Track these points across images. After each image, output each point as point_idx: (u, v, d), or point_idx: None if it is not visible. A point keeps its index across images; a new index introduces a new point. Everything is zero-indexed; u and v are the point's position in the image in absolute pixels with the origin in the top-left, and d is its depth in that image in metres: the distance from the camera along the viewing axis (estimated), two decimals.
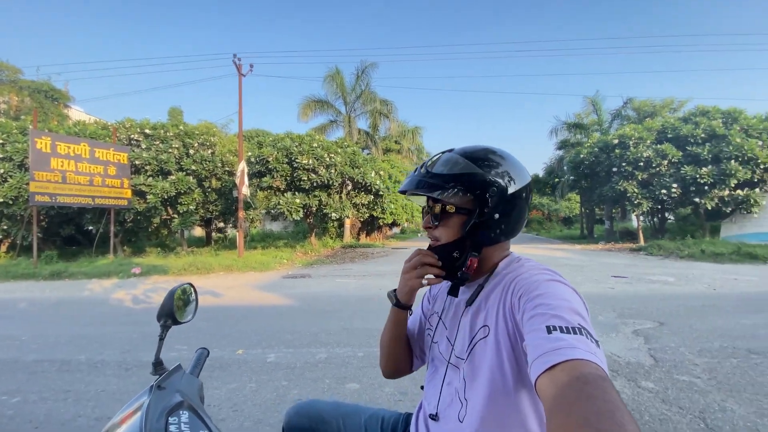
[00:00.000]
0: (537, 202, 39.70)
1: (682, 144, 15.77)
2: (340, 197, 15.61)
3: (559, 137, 25.22)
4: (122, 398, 2.67)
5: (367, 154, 20.75)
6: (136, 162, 12.54)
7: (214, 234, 17.82)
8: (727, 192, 14.62)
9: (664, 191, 15.46)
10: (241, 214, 12.77)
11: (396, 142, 25.98)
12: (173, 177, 12.83)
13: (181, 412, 0.71)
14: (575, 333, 0.54)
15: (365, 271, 10.15)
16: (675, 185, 15.28)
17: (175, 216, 13.56)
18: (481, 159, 0.78)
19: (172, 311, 0.90)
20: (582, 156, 18.72)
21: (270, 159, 13.58)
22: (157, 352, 0.86)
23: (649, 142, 16.10)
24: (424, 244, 0.86)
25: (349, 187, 16.09)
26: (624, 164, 16.25)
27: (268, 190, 14.11)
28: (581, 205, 26.56)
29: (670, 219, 21.16)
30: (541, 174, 30.23)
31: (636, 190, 15.97)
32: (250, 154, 13.96)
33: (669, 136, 16.27)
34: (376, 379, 2.95)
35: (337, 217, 15.04)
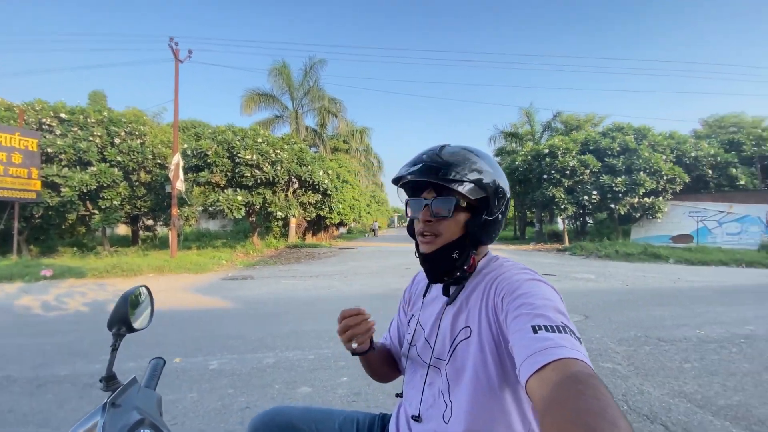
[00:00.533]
0: None
1: (602, 155, 17.63)
2: (286, 195, 15.14)
3: (497, 145, 26.88)
4: (35, 419, 2.33)
5: (315, 152, 20.36)
6: (49, 150, 11.05)
7: (141, 233, 16.28)
8: (636, 199, 16.61)
9: (586, 197, 17.15)
10: (175, 211, 11.80)
11: (344, 141, 25.83)
12: (94, 168, 11.50)
13: (141, 431, 0.63)
14: (560, 332, 0.55)
15: (312, 271, 9.94)
16: (595, 192, 17.03)
17: (96, 212, 12.15)
18: (488, 160, 0.79)
19: (126, 317, 0.80)
20: (517, 163, 20.10)
21: (209, 152, 12.74)
22: (109, 365, 0.76)
23: (574, 152, 17.76)
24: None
25: (296, 186, 15.66)
26: (553, 172, 17.76)
27: (206, 186, 13.24)
28: (515, 208, 28.53)
29: (589, 222, 23.57)
30: None
31: (563, 195, 17.54)
32: (186, 146, 12.98)
33: (591, 148, 18.09)
34: (328, 382, 2.90)
35: (283, 216, 14.57)
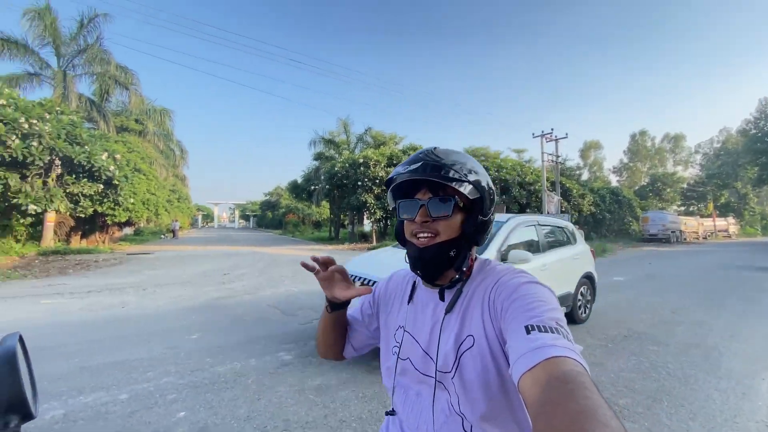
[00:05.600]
0: (293, 206, 41.89)
1: None
2: (45, 183, 11.12)
3: (316, 149, 27.83)
4: None
5: (92, 128, 15.76)
6: None
7: None
8: None
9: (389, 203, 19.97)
10: None
11: (137, 121, 21.05)
12: None
13: None
14: (552, 332, 0.56)
15: (90, 285, 7.68)
16: None
17: None
18: (476, 162, 0.80)
19: (21, 396, 0.48)
20: (336, 169, 21.41)
21: None
22: None
23: (383, 164, 20.33)
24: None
25: (60, 170, 11.70)
26: (366, 180, 19.83)
27: None
28: (330, 211, 30.14)
29: (389, 225, 27.47)
30: (299, 181, 32.15)
31: (373, 201, 19.80)
32: None
33: (395, 162, 21.15)
34: (159, 423, 2.37)
35: (39, 210, 10.61)
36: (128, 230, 23.30)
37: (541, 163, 20.22)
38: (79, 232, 15.73)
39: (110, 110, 18.90)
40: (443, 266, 0.76)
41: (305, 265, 0.86)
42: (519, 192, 23.10)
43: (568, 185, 26.10)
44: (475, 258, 0.81)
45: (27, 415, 0.49)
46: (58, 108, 11.69)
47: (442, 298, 0.78)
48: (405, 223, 0.80)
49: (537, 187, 22.48)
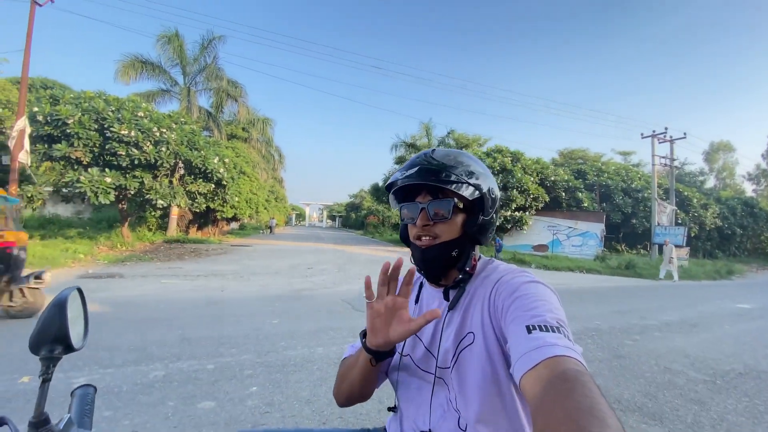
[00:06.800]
0: (374, 209, 43.26)
1: None
2: (171, 182, 13.28)
3: (397, 153, 28.32)
4: None
5: (208, 136, 18.37)
6: None
7: None
8: (509, 213, 19.34)
9: None
10: (15, 188, 9.30)
11: (244, 129, 23.93)
12: None
13: None
14: (553, 331, 0.56)
15: (201, 270, 8.91)
16: None
17: None
18: (478, 162, 0.80)
19: (65, 332, 0.59)
20: None
21: (70, 121, 10.34)
22: (39, 403, 0.55)
23: None
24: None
25: (183, 172, 13.86)
26: None
27: (63, 162, 10.75)
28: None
29: None
30: (380, 183, 33.12)
31: None
32: (36, 109, 10.32)
33: None
34: (234, 394, 2.63)
35: (165, 205, 12.70)
36: (234, 225, 26.56)
37: (651, 167, 17.66)
38: (196, 225, 18.44)
39: (223, 120, 21.80)
40: (446, 266, 0.77)
41: (369, 287, 0.72)
42: (623, 200, 20.54)
43: (686, 193, 22.37)
44: (479, 257, 0.82)
45: (69, 347, 0.61)
46: (182, 119, 13.89)
47: (446, 298, 0.79)
48: (408, 225, 0.80)
49: (646, 194, 19.72)
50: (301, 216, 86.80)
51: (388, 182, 0.80)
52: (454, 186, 0.73)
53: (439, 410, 0.74)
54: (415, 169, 0.75)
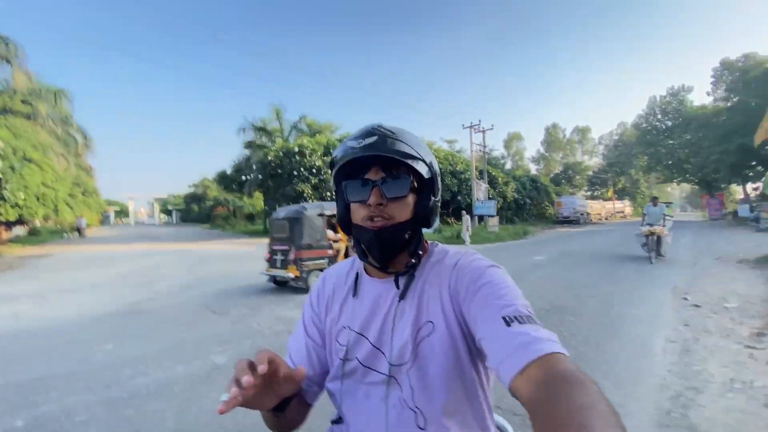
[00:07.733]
0: (223, 198, 39.26)
1: None
2: None
3: (246, 137, 26.19)
4: None
5: None
6: None
7: None
8: None
9: (329, 193, 19.57)
10: None
11: (24, 102, 17.89)
12: None
13: None
14: (529, 322, 0.56)
15: None
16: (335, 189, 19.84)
17: None
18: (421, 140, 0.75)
19: None
20: (270, 158, 20.39)
21: None
22: None
23: (319, 153, 19.84)
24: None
25: None
26: (302, 169, 19.21)
27: None
28: (264, 202, 28.80)
29: None
30: (229, 171, 30.11)
31: (310, 191, 19.28)
32: None
33: (331, 150, 20.80)
34: None
35: None
36: (20, 230, 19.98)
37: (470, 153, 21.33)
38: None
39: None
40: (398, 250, 0.71)
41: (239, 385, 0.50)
42: (451, 180, 24.15)
43: (494, 174, 27.91)
44: (426, 241, 0.77)
45: None
46: None
47: (398, 286, 0.72)
48: (352, 207, 0.71)
49: (467, 175, 23.69)
50: (123, 212, 71.55)
51: (336, 154, 0.70)
52: (412, 161, 0.67)
53: (394, 413, 0.67)
54: (374, 138, 0.66)
